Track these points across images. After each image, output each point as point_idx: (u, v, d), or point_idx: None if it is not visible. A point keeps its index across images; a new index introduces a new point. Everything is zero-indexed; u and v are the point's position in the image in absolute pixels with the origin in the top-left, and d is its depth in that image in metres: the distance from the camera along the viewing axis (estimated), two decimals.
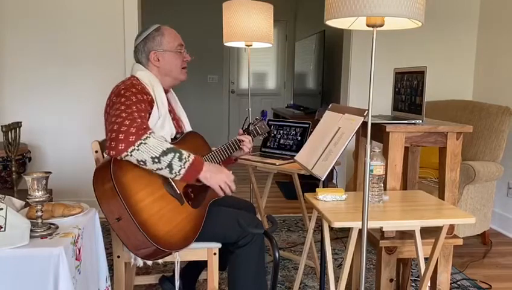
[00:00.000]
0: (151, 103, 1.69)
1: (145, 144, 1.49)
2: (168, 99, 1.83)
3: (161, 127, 1.72)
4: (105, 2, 3.39)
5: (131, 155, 1.49)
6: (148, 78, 1.76)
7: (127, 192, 1.50)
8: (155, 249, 1.52)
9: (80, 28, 3.39)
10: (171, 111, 1.85)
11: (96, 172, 1.56)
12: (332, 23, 1.42)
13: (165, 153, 1.52)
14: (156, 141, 1.52)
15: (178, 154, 1.55)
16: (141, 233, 1.47)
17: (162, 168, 1.53)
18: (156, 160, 1.51)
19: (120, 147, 1.48)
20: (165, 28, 1.84)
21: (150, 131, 1.54)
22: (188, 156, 1.57)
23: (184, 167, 1.55)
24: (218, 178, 1.65)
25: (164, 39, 1.81)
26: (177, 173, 1.55)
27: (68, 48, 3.40)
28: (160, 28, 1.82)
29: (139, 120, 1.54)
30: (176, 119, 1.87)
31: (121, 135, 1.48)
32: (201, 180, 1.63)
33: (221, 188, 1.67)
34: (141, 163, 1.51)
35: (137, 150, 1.48)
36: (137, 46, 1.82)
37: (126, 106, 1.57)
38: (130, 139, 1.48)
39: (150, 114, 1.67)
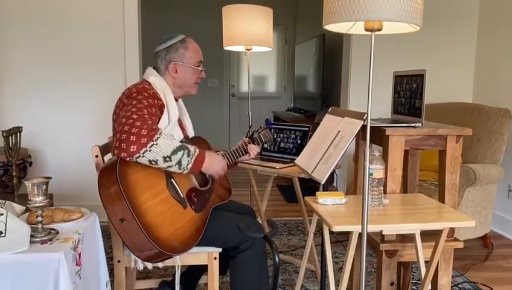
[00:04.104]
0: (161, 108, 1.71)
1: (156, 144, 1.52)
2: None
3: (170, 133, 1.73)
4: (106, 7, 3.40)
5: (143, 156, 1.51)
6: (160, 85, 1.78)
7: (132, 193, 1.50)
8: (157, 252, 1.52)
9: (80, 33, 3.40)
10: (179, 119, 1.86)
11: (102, 173, 1.56)
12: (331, 27, 1.42)
13: (175, 151, 1.56)
14: (166, 140, 1.56)
15: (186, 150, 1.60)
16: (144, 235, 1.48)
17: (172, 166, 1.57)
18: (168, 159, 1.55)
19: (132, 149, 1.49)
20: (190, 41, 1.85)
21: (159, 131, 1.57)
22: (194, 151, 1.63)
23: (191, 162, 1.61)
24: (217, 167, 1.74)
25: (187, 53, 1.82)
26: (185, 168, 1.60)
27: (69, 53, 3.41)
28: (185, 40, 1.84)
29: (150, 122, 1.56)
30: (182, 128, 1.88)
31: (132, 137, 1.50)
32: (203, 171, 1.70)
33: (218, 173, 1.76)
34: (153, 163, 1.53)
35: (150, 151, 1.51)
36: (159, 52, 1.82)
37: (137, 109, 1.58)
38: (142, 141, 1.50)
39: (159, 119, 1.69)
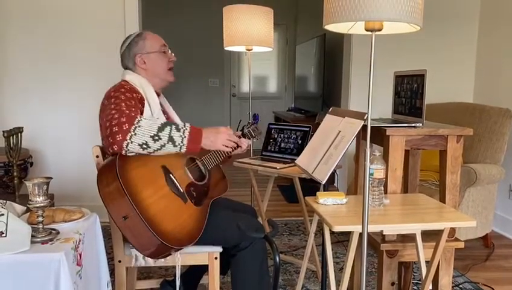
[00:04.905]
0: (141, 100, 1.73)
1: (139, 127, 1.52)
2: (160, 103, 1.86)
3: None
4: (106, 8, 3.40)
5: (131, 142, 1.50)
6: (137, 80, 1.81)
7: (133, 190, 1.50)
8: (162, 246, 1.51)
9: (81, 33, 3.40)
10: (165, 112, 1.89)
11: (100, 171, 1.56)
12: (331, 27, 1.42)
13: (161, 128, 1.55)
14: (148, 121, 1.55)
15: (174, 125, 1.58)
16: (149, 230, 1.47)
17: (165, 144, 1.55)
18: (156, 137, 1.53)
19: (118, 138, 1.50)
20: (147, 32, 1.89)
21: (139, 116, 1.57)
22: (184, 125, 1.60)
23: (185, 136, 1.58)
24: (220, 139, 1.68)
25: (147, 42, 1.85)
26: (181, 144, 1.57)
27: (69, 53, 3.41)
28: (142, 33, 1.88)
29: (127, 111, 1.57)
30: (170, 120, 1.89)
31: (114, 128, 1.51)
32: (206, 147, 1.66)
33: (226, 146, 1.71)
34: (144, 146, 1.53)
35: (135, 134, 1.51)
36: (123, 53, 1.88)
37: (116, 104, 1.61)
38: (124, 128, 1.50)
39: (142, 112, 1.71)
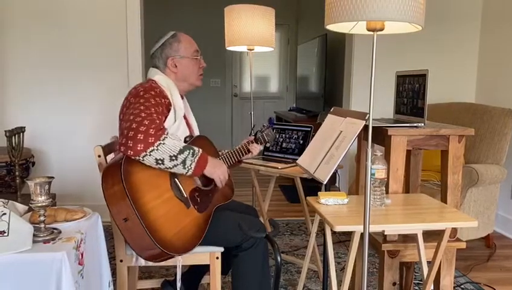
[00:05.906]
0: (168, 106, 1.72)
1: (163, 144, 1.53)
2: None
3: (176, 130, 1.75)
4: (108, 7, 3.41)
5: (150, 155, 1.51)
6: (166, 82, 1.79)
7: (136, 194, 1.50)
8: (159, 252, 1.52)
9: (83, 33, 3.41)
10: (185, 117, 1.87)
11: (106, 172, 1.56)
12: (332, 27, 1.42)
13: (181, 151, 1.57)
14: (173, 140, 1.57)
15: (192, 150, 1.61)
16: (147, 235, 1.48)
17: (177, 165, 1.57)
18: (174, 158, 1.55)
19: (139, 148, 1.49)
20: (181, 34, 1.87)
21: (167, 132, 1.58)
22: (198, 151, 1.64)
23: (194, 161, 1.60)
24: (221, 171, 1.73)
25: (181, 45, 1.84)
26: (189, 168, 1.60)
27: (71, 53, 3.42)
28: (176, 35, 1.86)
29: (158, 121, 1.57)
30: (188, 125, 1.89)
31: (139, 135, 1.50)
32: (206, 173, 1.68)
33: (220, 180, 1.75)
34: (159, 162, 1.53)
35: (157, 150, 1.52)
36: (155, 52, 1.85)
37: (145, 107, 1.59)
38: (150, 141, 1.50)
39: (166, 117, 1.70)
